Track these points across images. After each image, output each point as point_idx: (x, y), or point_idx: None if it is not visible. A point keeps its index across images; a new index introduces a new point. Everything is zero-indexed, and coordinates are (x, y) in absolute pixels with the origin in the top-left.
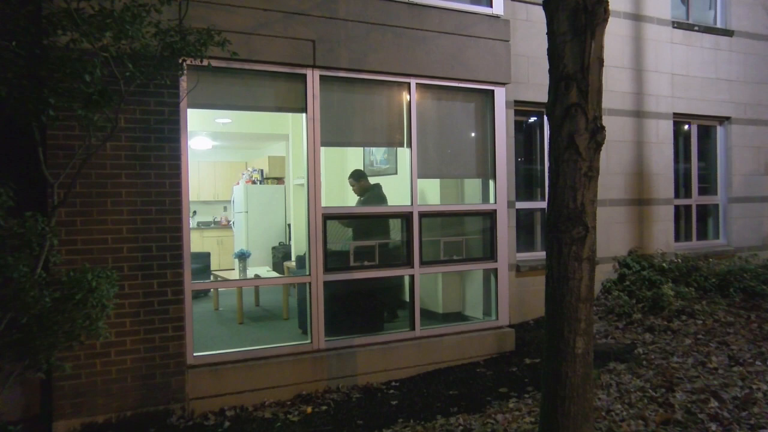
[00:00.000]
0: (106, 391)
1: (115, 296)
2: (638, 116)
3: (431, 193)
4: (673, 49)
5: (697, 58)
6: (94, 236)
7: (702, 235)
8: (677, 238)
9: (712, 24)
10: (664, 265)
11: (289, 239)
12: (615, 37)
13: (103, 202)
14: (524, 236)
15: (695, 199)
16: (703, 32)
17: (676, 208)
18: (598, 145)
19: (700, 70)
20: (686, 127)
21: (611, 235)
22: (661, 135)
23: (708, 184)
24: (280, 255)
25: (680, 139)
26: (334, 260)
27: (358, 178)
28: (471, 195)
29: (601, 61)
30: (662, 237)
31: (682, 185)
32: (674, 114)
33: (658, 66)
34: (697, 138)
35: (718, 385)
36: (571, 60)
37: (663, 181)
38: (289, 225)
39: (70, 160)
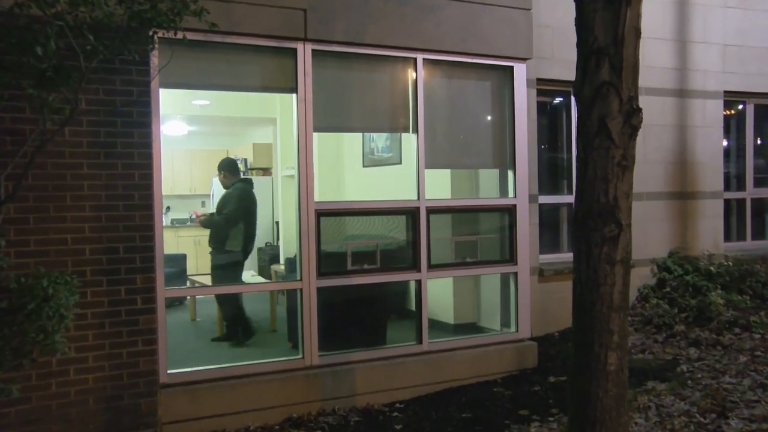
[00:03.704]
0: (62, 417)
1: (75, 305)
2: (681, 96)
3: (441, 186)
4: (726, 14)
5: (758, 23)
6: (51, 236)
7: (759, 233)
8: (728, 238)
9: None
10: (711, 268)
11: (278, 239)
12: (654, 2)
13: (61, 196)
14: (548, 235)
15: (750, 192)
16: None
17: (727, 202)
18: (633, 130)
19: (761, 39)
20: (740, 107)
21: (649, 233)
22: (708, 117)
23: (766, 175)
24: (267, 257)
25: (732, 122)
26: (329, 263)
27: (221, 169)
28: (487, 188)
29: (637, 32)
30: (709, 236)
31: (733, 176)
32: (725, 92)
33: (706, 36)
34: (753, 120)
35: None
36: (603, 31)
37: (710, 171)
38: (277, 223)
39: (21, 147)
